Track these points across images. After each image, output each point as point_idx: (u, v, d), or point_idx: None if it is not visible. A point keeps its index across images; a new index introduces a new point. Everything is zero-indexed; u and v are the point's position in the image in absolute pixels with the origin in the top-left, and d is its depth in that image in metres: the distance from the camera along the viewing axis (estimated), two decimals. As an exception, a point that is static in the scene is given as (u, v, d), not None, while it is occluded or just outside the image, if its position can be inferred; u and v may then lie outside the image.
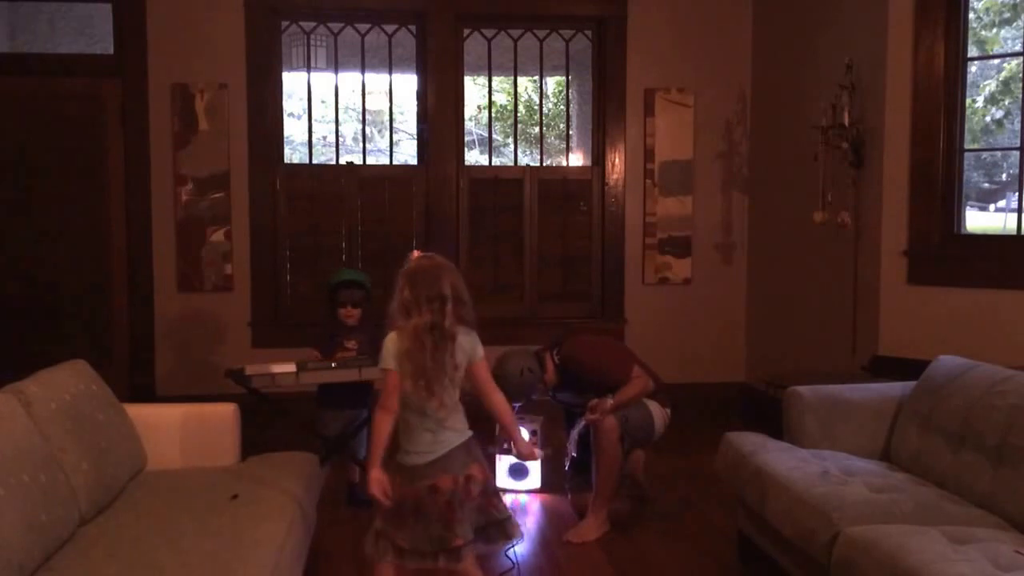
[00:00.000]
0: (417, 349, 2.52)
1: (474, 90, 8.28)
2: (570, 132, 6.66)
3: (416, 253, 2.68)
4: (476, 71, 6.41)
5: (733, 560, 3.46)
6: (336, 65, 5.79)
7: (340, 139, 6.12)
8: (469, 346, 2.61)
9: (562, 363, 3.89)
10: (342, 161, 5.97)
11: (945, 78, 4.37)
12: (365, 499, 4.03)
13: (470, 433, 2.65)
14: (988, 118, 6.66)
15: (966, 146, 4.50)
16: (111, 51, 5.53)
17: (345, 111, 7.42)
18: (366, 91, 5.91)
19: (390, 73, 5.88)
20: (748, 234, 5.94)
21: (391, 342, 2.57)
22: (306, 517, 2.97)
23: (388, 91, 5.95)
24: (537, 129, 7.32)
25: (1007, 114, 6.33)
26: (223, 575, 2.22)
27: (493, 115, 6.70)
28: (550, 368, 3.89)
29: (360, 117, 6.21)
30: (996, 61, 5.86)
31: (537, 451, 2.95)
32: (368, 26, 5.74)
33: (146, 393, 5.40)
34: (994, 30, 5.25)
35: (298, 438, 3.95)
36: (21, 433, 2.38)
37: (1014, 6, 4.89)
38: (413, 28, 5.78)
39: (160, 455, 3.11)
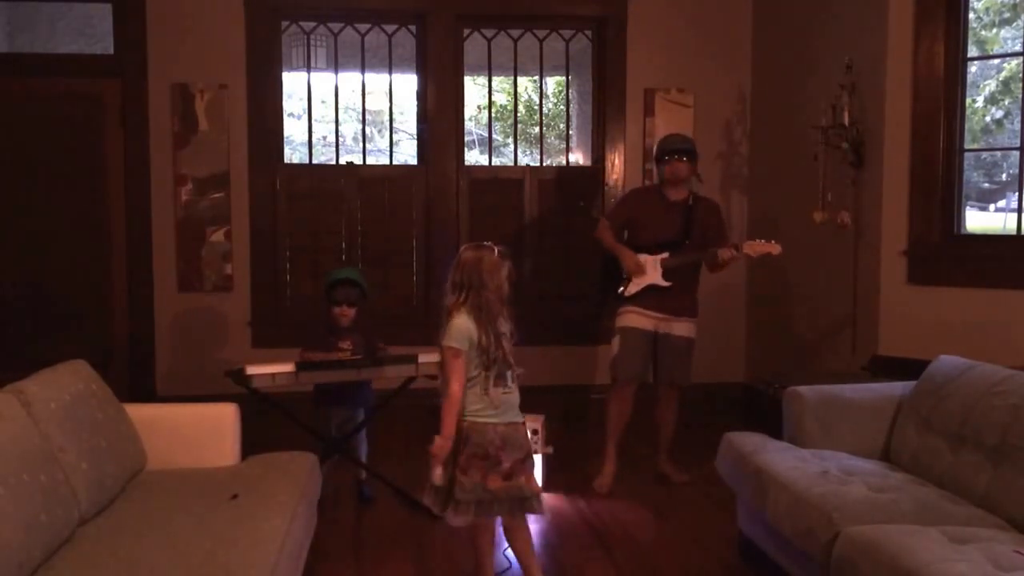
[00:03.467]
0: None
1: (474, 90, 8.30)
2: (570, 132, 6.66)
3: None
4: (476, 71, 6.41)
5: (733, 560, 3.46)
6: (336, 65, 5.79)
7: (340, 139, 6.12)
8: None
9: (698, 196, 4.41)
10: (342, 161, 5.97)
11: (945, 78, 4.37)
12: (372, 496, 4.09)
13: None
14: (988, 118, 6.66)
15: (966, 146, 4.50)
16: (111, 51, 5.53)
17: (345, 111, 7.43)
18: (366, 91, 5.91)
19: (390, 73, 5.88)
20: (748, 234, 5.92)
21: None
22: (306, 517, 2.97)
23: (388, 91, 5.95)
24: (537, 129, 7.33)
25: (1007, 114, 6.33)
26: (223, 575, 2.22)
27: (493, 115, 6.70)
28: (686, 169, 4.33)
29: (360, 117, 6.21)
30: (996, 61, 5.86)
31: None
32: (368, 26, 5.74)
33: (146, 393, 5.40)
34: (994, 30, 5.26)
35: (298, 438, 3.95)
36: (21, 433, 2.38)
37: (1014, 6, 4.89)
38: (413, 28, 5.78)
39: (160, 455, 3.11)
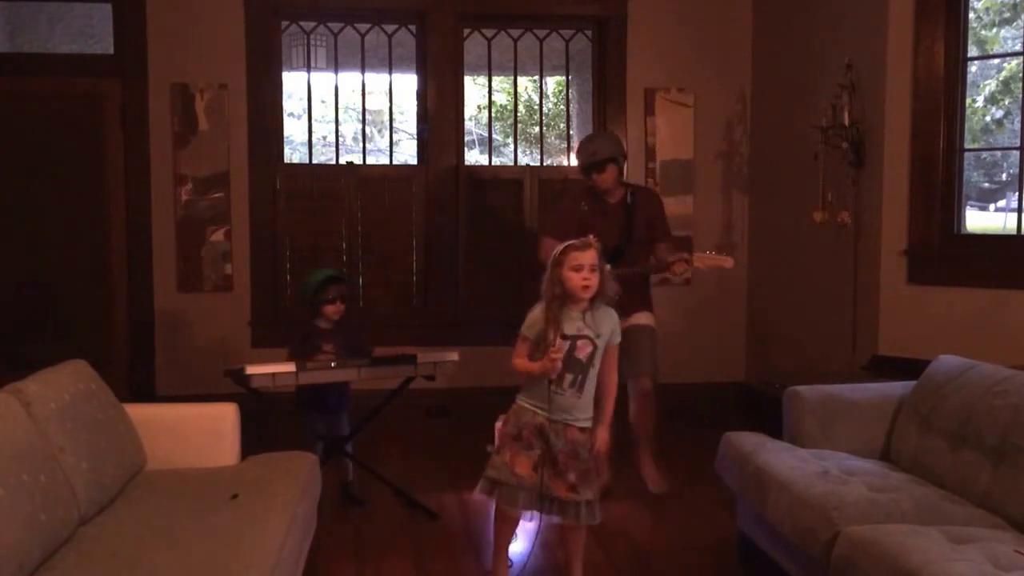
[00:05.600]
0: None
1: (474, 90, 8.30)
2: (570, 132, 6.66)
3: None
4: (476, 71, 6.41)
5: (733, 560, 3.46)
6: (336, 65, 5.79)
7: (340, 139, 6.13)
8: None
9: (636, 188, 4.23)
10: (342, 161, 5.97)
11: (945, 78, 4.37)
12: (361, 499, 4.08)
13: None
14: (988, 118, 6.66)
15: (966, 146, 4.50)
16: (111, 51, 5.53)
17: (345, 111, 7.43)
18: (366, 91, 5.91)
19: (390, 73, 5.88)
20: (748, 234, 5.93)
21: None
22: (306, 517, 2.97)
23: (388, 91, 5.95)
24: (537, 129, 7.33)
25: (1007, 114, 6.34)
26: (223, 575, 2.22)
27: (493, 115, 6.70)
28: (613, 176, 4.09)
29: (360, 117, 6.21)
30: (996, 61, 5.86)
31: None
32: (368, 26, 5.74)
33: (146, 393, 5.40)
34: (994, 30, 5.26)
35: (298, 438, 3.95)
36: (21, 433, 2.38)
37: (1014, 6, 4.89)
38: (413, 28, 5.78)
39: (160, 455, 3.11)
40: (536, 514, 2.98)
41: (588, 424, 2.99)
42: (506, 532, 3.08)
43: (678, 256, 3.97)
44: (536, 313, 2.97)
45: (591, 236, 2.98)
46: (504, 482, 2.91)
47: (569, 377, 2.93)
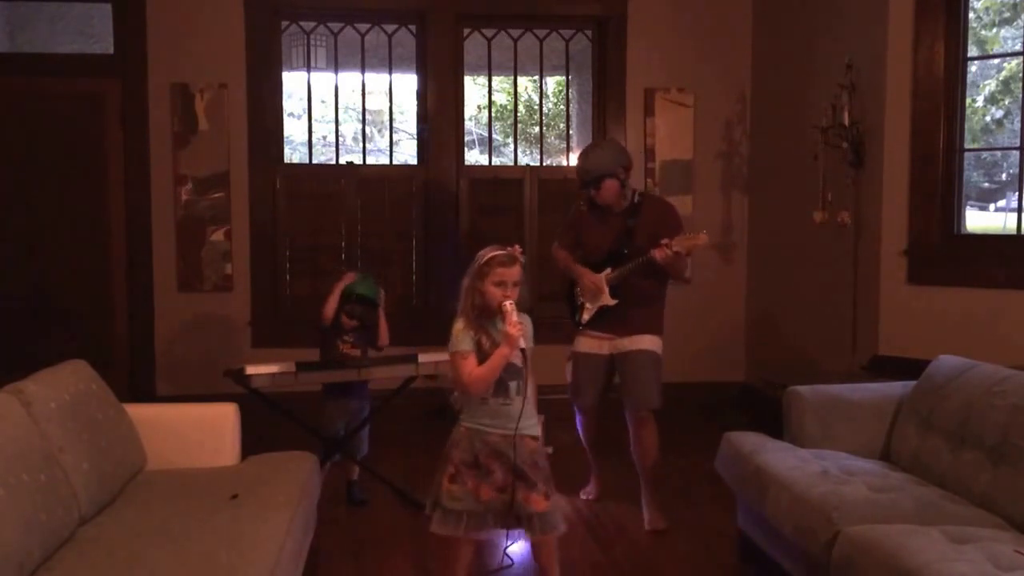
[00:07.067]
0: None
1: (474, 90, 8.30)
2: (570, 132, 6.67)
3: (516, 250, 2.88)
4: (476, 71, 6.41)
5: (733, 560, 3.46)
6: (336, 65, 5.79)
7: (340, 139, 6.13)
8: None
9: (645, 196, 4.03)
10: (342, 161, 5.97)
11: (945, 78, 4.37)
12: (363, 498, 4.09)
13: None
14: (988, 118, 6.66)
15: (966, 146, 4.50)
16: (111, 51, 5.54)
17: (345, 111, 7.43)
18: (366, 91, 5.91)
19: (390, 73, 5.88)
20: (748, 234, 5.93)
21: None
22: (306, 517, 2.97)
23: (388, 91, 5.95)
24: (537, 129, 7.33)
25: (1007, 114, 6.34)
26: (223, 575, 2.22)
27: (493, 115, 6.70)
28: (613, 190, 3.87)
29: (360, 117, 6.21)
30: (996, 61, 5.86)
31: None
32: (368, 26, 5.75)
33: (146, 393, 5.40)
34: (994, 30, 5.26)
35: (298, 438, 3.95)
36: (21, 433, 2.38)
37: (1014, 6, 4.90)
38: (413, 28, 5.78)
39: (160, 455, 3.11)
40: (504, 531, 2.87)
41: (536, 432, 2.92)
42: (465, 556, 2.94)
43: (660, 243, 3.68)
44: (460, 328, 2.82)
45: (516, 248, 2.86)
46: (468, 511, 2.78)
47: (513, 385, 2.84)
